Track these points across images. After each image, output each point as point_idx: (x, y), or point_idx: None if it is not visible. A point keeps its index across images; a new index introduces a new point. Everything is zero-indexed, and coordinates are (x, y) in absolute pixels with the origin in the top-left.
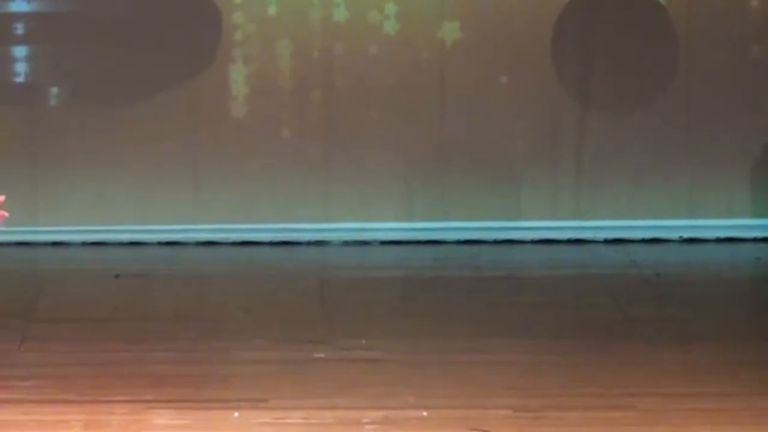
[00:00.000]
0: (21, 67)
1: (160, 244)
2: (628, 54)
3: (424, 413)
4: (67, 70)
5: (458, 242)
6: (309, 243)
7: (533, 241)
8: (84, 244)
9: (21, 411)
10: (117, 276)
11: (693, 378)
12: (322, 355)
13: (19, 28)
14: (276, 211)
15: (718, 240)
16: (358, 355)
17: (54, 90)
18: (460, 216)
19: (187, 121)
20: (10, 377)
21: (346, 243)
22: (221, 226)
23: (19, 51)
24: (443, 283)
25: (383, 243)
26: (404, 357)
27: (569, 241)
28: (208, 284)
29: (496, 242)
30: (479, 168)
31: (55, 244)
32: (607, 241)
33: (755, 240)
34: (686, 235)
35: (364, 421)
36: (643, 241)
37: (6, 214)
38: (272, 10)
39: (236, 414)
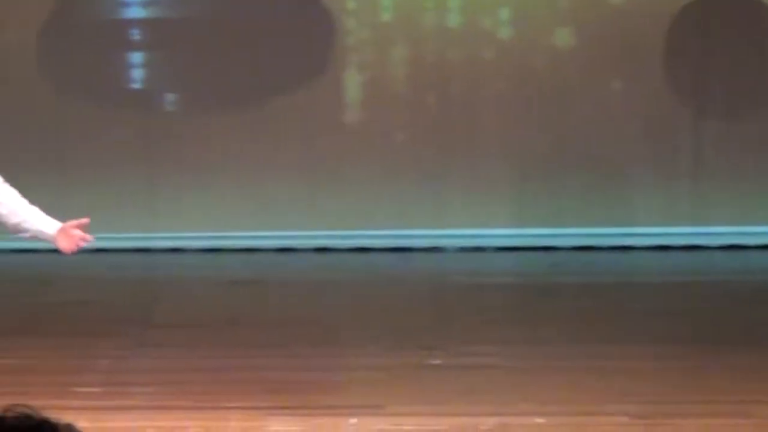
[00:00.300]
0: (137, 74)
1: (276, 250)
2: (742, 60)
3: (540, 420)
4: (183, 77)
5: (573, 248)
6: (423, 249)
7: (648, 248)
8: (200, 250)
9: (139, 418)
10: (233, 282)
11: None
12: (437, 362)
13: (136, 35)
14: (391, 218)
15: None
16: (473, 361)
17: (170, 96)
18: (575, 222)
19: (302, 128)
20: (128, 383)
21: (460, 249)
22: (336, 233)
23: (136, 57)
24: (558, 289)
25: (498, 249)
26: (519, 363)
27: (685, 248)
28: (323, 290)
29: (611, 248)
30: (593, 174)
31: (172, 250)
32: (723, 248)
33: None
34: None
35: (481, 428)
36: (760, 246)
37: (90, 237)
38: (386, 16)
39: (353, 420)
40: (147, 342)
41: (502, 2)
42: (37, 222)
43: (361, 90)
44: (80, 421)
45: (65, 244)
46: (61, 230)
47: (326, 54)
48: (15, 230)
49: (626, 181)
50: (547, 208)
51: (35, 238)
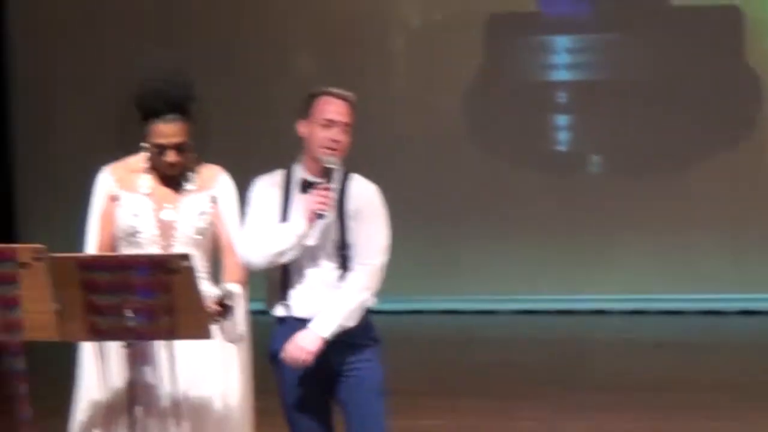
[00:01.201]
0: (563, 136)
1: (701, 312)
2: None
3: None
4: (607, 139)
5: None
6: None
7: None
8: (623, 312)
9: None
10: (658, 345)
11: None
12: None
13: (561, 98)
14: None
15: None
16: None
17: (595, 158)
18: None
19: (726, 189)
20: None
21: None
22: (760, 296)
23: (561, 120)
24: None
25: None
26: None
27: None
28: (750, 353)
29: None
30: None
31: (596, 312)
32: None
33: None
34: None
35: None
36: None
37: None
38: None
39: None
40: (568, 405)
41: None
42: (320, 315)
43: None
44: None
45: (289, 354)
46: (296, 338)
47: (753, 116)
48: None
49: None
50: None
51: None
